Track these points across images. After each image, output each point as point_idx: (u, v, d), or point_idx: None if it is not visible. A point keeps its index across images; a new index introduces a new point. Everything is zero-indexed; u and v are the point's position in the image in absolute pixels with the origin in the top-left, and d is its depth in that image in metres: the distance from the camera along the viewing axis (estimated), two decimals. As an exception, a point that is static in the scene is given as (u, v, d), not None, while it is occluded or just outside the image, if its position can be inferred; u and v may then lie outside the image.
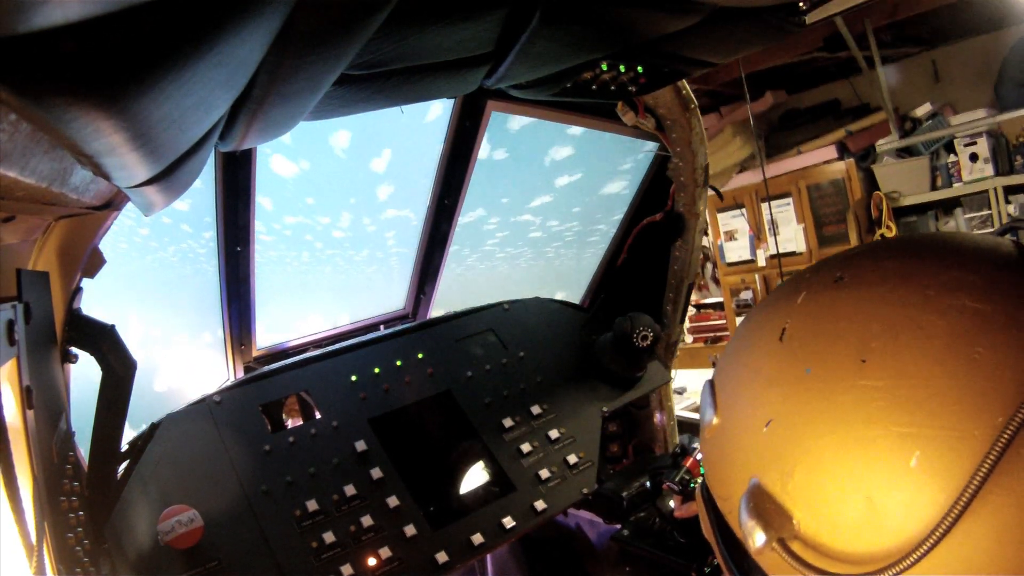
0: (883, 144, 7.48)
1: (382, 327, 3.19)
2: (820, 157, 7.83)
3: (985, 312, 1.05)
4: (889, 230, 7.50)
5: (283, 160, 2.78)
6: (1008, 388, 0.97)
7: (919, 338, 1.06)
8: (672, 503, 2.47)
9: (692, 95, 2.68)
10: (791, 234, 8.18)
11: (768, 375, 1.21)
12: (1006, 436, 0.93)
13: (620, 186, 3.49)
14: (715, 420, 1.32)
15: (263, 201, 2.75)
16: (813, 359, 1.14)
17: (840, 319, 1.16)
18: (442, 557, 2.22)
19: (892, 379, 1.04)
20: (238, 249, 2.61)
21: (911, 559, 0.96)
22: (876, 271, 1.21)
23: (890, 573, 0.98)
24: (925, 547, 0.95)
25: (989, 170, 6.88)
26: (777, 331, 1.22)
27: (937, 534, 0.94)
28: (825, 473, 1.07)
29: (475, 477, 2.52)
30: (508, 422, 2.66)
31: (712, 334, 9.32)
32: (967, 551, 0.95)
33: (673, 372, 3.37)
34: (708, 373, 1.45)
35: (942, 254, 1.19)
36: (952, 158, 7.13)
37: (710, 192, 3.07)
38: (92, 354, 1.72)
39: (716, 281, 9.44)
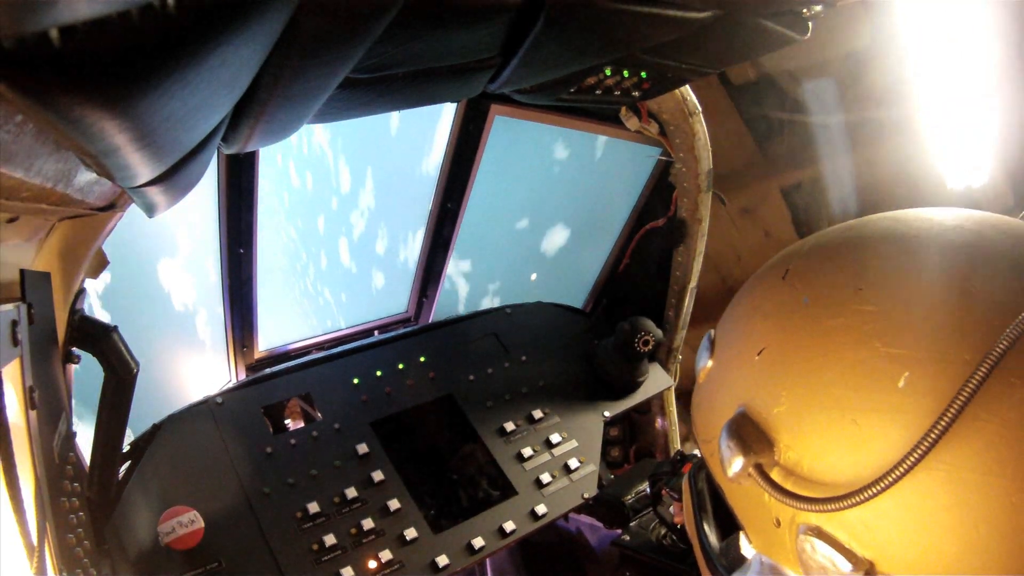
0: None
1: (376, 332, 3.19)
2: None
3: (983, 255, 1.05)
4: None
5: (347, 248, 2.86)
6: (1000, 319, 0.95)
7: (916, 270, 1.07)
8: (672, 509, 2.46)
9: (696, 101, 2.68)
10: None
11: (766, 310, 1.21)
12: (992, 358, 0.91)
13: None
14: (709, 363, 1.32)
15: (323, 257, 2.83)
16: (811, 290, 1.14)
17: (843, 256, 1.17)
18: (442, 560, 2.22)
19: (886, 304, 1.04)
20: (240, 251, 2.62)
21: (888, 480, 0.93)
22: (884, 222, 1.22)
23: (865, 495, 0.95)
24: (904, 467, 0.92)
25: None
26: (781, 272, 1.23)
27: (917, 454, 0.91)
28: (812, 396, 1.05)
29: (476, 480, 2.52)
30: (509, 426, 2.66)
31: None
32: (948, 478, 0.92)
33: None
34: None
35: (949, 215, 1.19)
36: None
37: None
38: (94, 355, 1.72)
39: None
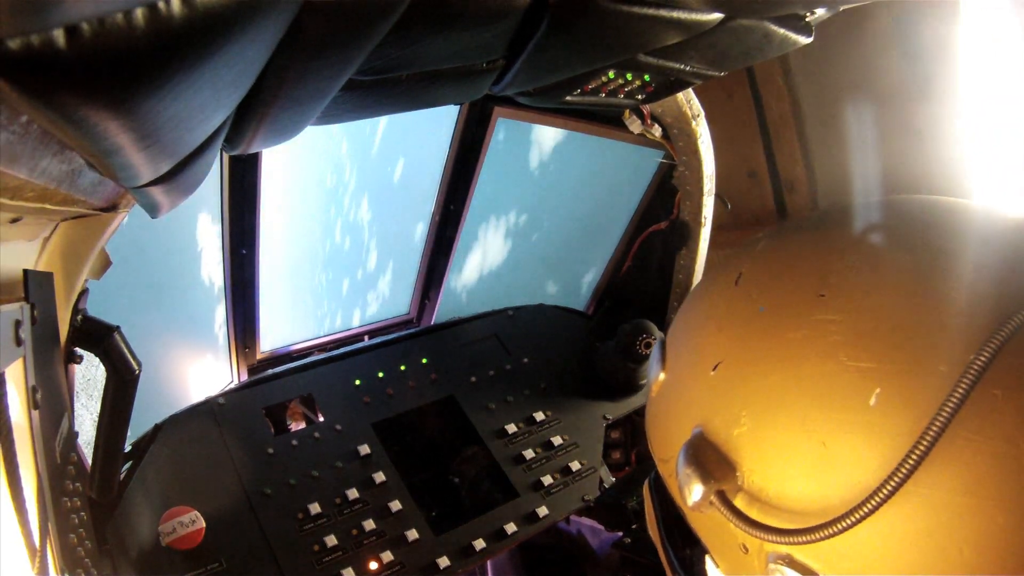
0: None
1: (366, 338, 3.19)
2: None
3: (957, 251, 0.95)
4: None
5: (358, 320, 2.81)
6: (979, 324, 0.86)
7: (884, 273, 0.96)
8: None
9: (699, 104, 2.68)
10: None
11: (719, 319, 1.10)
12: (974, 370, 0.81)
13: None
14: (662, 376, 1.20)
15: (339, 317, 2.81)
16: (767, 297, 1.04)
17: (800, 259, 1.06)
18: (443, 562, 2.21)
19: (852, 312, 0.94)
20: (243, 252, 2.62)
21: (865, 509, 0.84)
22: (845, 218, 1.11)
23: (839, 526, 0.86)
24: (882, 495, 0.83)
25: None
26: (733, 277, 1.12)
27: (895, 480, 0.82)
28: (775, 416, 0.95)
29: (477, 483, 2.52)
30: (511, 428, 2.66)
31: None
32: (927, 501, 0.84)
33: None
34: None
35: (920, 207, 1.09)
36: None
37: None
38: (97, 355, 1.72)
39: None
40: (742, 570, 1.03)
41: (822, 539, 0.88)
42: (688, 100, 2.64)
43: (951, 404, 0.81)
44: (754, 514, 0.97)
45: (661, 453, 1.19)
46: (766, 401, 0.97)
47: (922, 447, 0.81)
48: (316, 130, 3.06)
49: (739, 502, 0.99)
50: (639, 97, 2.12)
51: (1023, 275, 0.92)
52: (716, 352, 1.06)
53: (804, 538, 0.89)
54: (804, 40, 1.74)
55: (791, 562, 0.94)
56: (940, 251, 0.96)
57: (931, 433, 0.81)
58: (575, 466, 2.62)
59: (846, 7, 1.66)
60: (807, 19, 1.69)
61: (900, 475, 0.82)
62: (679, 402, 1.13)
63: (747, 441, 0.98)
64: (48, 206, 0.97)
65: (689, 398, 1.10)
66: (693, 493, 0.99)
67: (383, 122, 3.09)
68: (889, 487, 0.83)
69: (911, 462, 0.82)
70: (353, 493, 2.27)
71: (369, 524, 2.22)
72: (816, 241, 1.08)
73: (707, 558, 1.16)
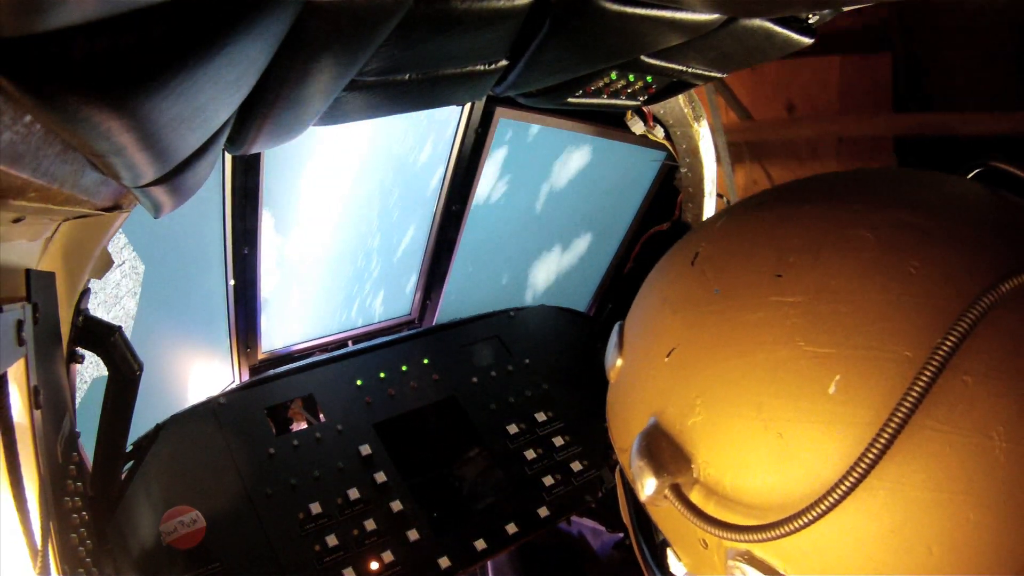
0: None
1: (349, 343, 3.20)
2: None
3: (924, 227, 0.89)
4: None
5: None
6: (947, 305, 0.80)
7: (844, 251, 0.90)
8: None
9: (701, 105, 2.68)
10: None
11: (674, 302, 1.04)
12: (941, 354, 0.76)
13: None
14: (619, 362, 1.15)
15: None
16: (723, 279, 0.98)
17: (758, 237, 1.00)
18: (444, 562, 2.22)
19: (810, 294, 0.88)
20: (245, 252, 2.62)
21: (823, 506, 0.79)
22: (806, 192, 1.05)
23: (796, 524, 0.81)
24: (841, 490, 0.78)
25: None
26: (690, 256, 1.06)
27: (856, 475, 0.77)
28: (730, 405, 0.90)
29: (479, 483, 2.52)
30: (513, 429, 2.66)
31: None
32: (893, 497, 0.79)
33: None
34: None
35: (885, 178, 1.03)
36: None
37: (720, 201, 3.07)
38: (99, 355, 1.72)
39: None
40: (703, 565, 0.99)
41: (780, 536, 0.83)
42: (691, 101, 2.64)
43: (916, 391, 0.76)
44: (711, 508, 0.92)
45: (619, 443, 1.14)
46: (721, 389, 0.92)
47: (884, 439, 0.76)
48: (354, 216, 3.06)
49: (695, 496, 0.94)
50: (641, 98, 2.12)
51: (995, 252, 0.86)
52: (671, 337, 1.01)
53: (760, 535, 0.84)
54: (806, 41, 1.74)
55: (751, 559, 0.90)
56: (906, 226, 0.90)
57: (893, 423, 0.76)
58: (576, 467, 2.62)
59: (848, 8, 1.66)
60: (809, 21, 1.69)
61: (861, 469, 0.77)
62: (635, 390, 1.08)
63: (702, 432, 0.94)
64: (51, 206, 0.97)
65: (644, 386, 1.05)
66: (646, 487, 0.95)
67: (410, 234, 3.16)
68: (849, 482, 0.78)
69: (872, 455, 0.77)
70: (354, 493, 2.28)
71: (370, 524, 2.22)
72: (775, 217, 1.02)
73: (669, 551, 1.12)
